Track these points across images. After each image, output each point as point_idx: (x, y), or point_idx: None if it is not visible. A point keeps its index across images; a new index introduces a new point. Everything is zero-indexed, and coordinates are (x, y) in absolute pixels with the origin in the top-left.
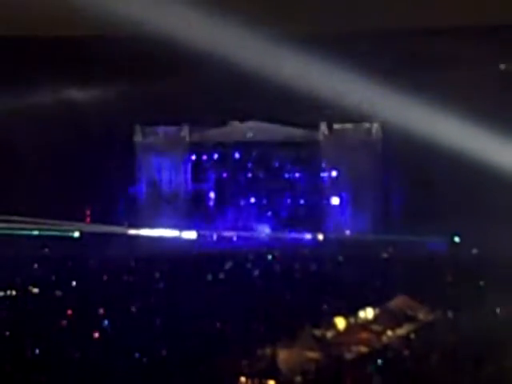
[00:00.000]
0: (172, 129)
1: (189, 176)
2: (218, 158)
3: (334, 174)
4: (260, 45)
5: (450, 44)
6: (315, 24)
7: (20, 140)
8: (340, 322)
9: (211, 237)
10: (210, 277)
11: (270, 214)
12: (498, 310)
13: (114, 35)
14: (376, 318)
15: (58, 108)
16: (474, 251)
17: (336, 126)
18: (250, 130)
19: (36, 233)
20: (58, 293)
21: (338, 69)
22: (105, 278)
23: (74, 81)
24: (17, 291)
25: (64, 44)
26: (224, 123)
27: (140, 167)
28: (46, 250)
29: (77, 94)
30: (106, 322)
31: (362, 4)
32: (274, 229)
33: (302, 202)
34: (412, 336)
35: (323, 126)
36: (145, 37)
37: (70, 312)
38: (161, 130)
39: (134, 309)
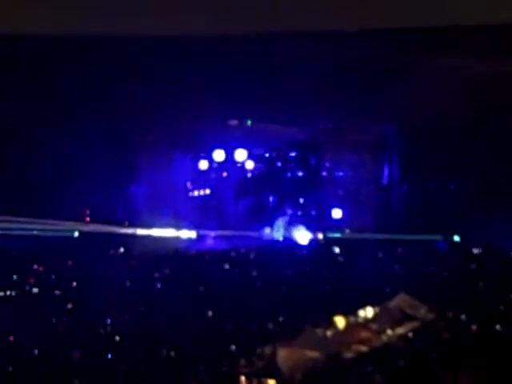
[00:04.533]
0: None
1: (189, 176)
2: (219, 158)
3: (335, 173)
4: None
5: None
6: None
7: (19, 139)
8: (340, 321)
9: (211, 236)
10: (209, 276)
11: (270, 213)
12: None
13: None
14: (376, 317)
15: (57, 105)
16: (475, 250)
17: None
18: (250, 130)
19: (35, 233)
20: (58, 292)
21: None
22: (105, 277)
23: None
24: (16, 291)
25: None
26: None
27: (140, 167)
28: (46, 249)
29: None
30: (106, 322)
31: None
32: (274, 228)
33: (302, 201)
34: (412, 335)
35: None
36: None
37: (69, 312)
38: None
39: (133, 308)
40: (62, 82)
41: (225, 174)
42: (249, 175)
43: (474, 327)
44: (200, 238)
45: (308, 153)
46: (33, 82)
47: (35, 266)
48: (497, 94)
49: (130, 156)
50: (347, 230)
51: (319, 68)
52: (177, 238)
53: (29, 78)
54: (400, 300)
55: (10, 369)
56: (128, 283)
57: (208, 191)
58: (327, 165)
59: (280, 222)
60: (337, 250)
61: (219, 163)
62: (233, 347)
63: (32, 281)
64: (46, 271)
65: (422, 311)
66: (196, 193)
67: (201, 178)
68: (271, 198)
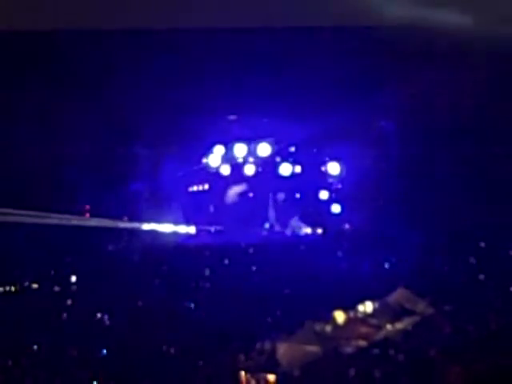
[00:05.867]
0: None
1: (188, 170)
2: (216, 153)
3: (333, 169)
4: None
5: None
6: None
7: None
8: (339, 316)
9: (210, 231)
10: (208, 271)
11: (269, 208)
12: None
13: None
14: (375, 312)
15: (57, 99)
16: (475, 245)
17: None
18: (249, 125)
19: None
20: (57, 288)
21: None
22: (104, 272)
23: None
24: (16, 287)
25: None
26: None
27: (138, 161)
28: (45, 243)
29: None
30: (104, 317)
31: None
32: (273, 223)
33: (301, 195)
34: (411, 329)
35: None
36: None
37: (69, 308)
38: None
39: (132, 304)
40: (61, 76)
41: (224, 169)
42: (248, 170)
43: (473, 322)
44: (199, 232)
45: (307, 148)
46: (31, 76)
47: (33, 261)
48: (498, 92)
49: (129, 151)
50: (346, 225)
51: (319, 63)
52: (176, 233)
53: (28, 73)
54: (399, 295)
55: (10, 363)
56: (127, 278)
57: (207, 186)
58: (327, 159)
59: (271, 213)
60: (336, 244)
61: (219, 158)
62: (232, 342)
63: (31, 276)
64: (44, 266)
65: (421, 306)
66: (195, 188)
67: (200, 173)
68: (270, 193)
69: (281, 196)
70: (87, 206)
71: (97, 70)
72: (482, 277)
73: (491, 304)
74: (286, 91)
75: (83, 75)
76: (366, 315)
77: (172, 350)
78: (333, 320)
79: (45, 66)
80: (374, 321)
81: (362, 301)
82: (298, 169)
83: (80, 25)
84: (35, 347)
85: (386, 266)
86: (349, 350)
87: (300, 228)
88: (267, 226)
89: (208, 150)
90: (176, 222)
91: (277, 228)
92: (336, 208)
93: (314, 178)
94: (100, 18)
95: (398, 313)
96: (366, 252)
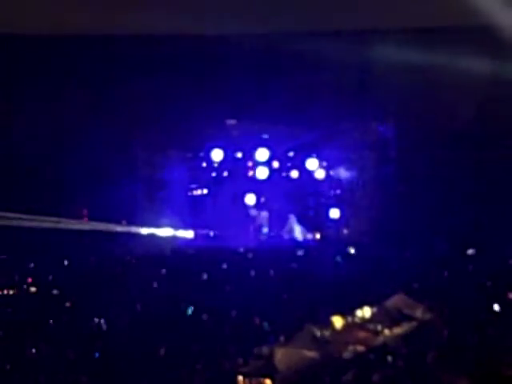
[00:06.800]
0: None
1: (187, 174)
2: (215, 158)
3: (332, 172)
4: None
5: None
6: None
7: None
8: (338, 321)
9: (208, 236)
10: (206, 275)
11: (267, 212)
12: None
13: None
14: (373, 317)
15: (55, 104)
16: (473, 251)
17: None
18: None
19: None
20: (56, 292)
21: None
22: (103, 276)
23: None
24: (14, 290)
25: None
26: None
27: (138, 166)
28: (44, 247)
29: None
30: (102, 321)
31: None
32: (271, 227)
33: (299, 200)
34: (409, 335)
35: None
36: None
37: (67, 311)
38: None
39: (131, 307)
40: (60, 81)
41: (223, 174)
42: (248, 174)
43: (471, 327)
44: (198, 237)
45: (305, 152)
46: (29, 80)
47: (32, 265)
48: (498, 93)
49: (128, 155)
50: (345, 230)
51: (318, 67)
52: (174, 238)
53: (27, 76)
54: (397, 300)
55: (8, 367)
56: (126, 282)
57: (206, 191)
58: (324, 164)
59: (270, 218)
60: (334, 249)
61: (218, 162)
62: (230, 347)
63: (30, 280)
64: (43, 270)
65: (420, 311)
66: (194, 192)
67: (199, 178)
68: (268, 197)
69: (279, 200)
70: (85, 210)
71: (97, 73)
72: (480, 282)
73: (489, 309)
74: (285, 96)
75: (82, 79)
76: (365, 320)
77: (170, 354)
78: (331, 325)
79: (45, 69)
80: (372, 326)
81: (360, 306)
82: (295, 174)
83: (80, 30)
84: (33, 350)
85: (385, 271)
86: (347, 355)
87: (298, 233)
88: (265, 230)
89: (207, 154)
90: (174, 226)
91: (275, 233)
92: (335, 213)
93: (312, 182)
94: (101, 24)
95: (397, 318)
96: (364, 257)
